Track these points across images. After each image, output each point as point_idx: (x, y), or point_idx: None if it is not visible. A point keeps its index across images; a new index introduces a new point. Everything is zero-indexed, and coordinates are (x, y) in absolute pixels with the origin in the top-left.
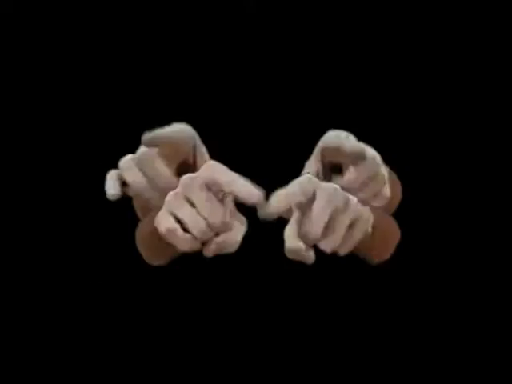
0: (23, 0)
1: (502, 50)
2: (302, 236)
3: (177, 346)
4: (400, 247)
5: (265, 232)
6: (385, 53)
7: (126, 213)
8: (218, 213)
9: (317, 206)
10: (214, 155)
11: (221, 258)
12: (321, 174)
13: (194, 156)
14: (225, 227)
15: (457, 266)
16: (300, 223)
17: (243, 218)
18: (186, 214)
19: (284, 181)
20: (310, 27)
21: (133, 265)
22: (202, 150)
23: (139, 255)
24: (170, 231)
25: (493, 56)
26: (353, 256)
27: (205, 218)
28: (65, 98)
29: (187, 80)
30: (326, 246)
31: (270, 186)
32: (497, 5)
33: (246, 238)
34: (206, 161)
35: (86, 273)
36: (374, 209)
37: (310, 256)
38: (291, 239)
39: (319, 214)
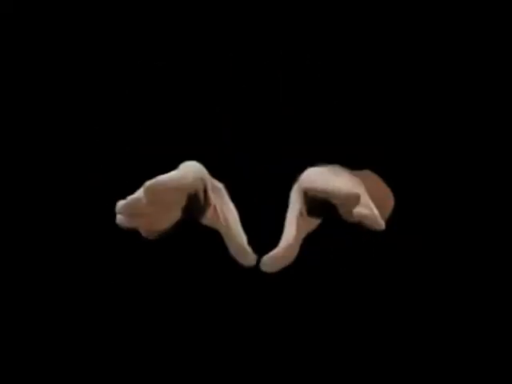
0: (23, 0)
1: (502, 49)
2: None
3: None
4: (394, 217)
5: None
6: (379, 53)
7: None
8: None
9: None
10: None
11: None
12: (304, 211)
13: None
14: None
15: (450, 237)
16: None
17: None
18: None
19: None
20: (309, 29)
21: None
22: (210, 185)
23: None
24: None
25: (492, 57)
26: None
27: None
28: (65, 99)
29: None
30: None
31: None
32: (497, 5)
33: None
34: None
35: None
36: (368, 175)
37: None
38: None
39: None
